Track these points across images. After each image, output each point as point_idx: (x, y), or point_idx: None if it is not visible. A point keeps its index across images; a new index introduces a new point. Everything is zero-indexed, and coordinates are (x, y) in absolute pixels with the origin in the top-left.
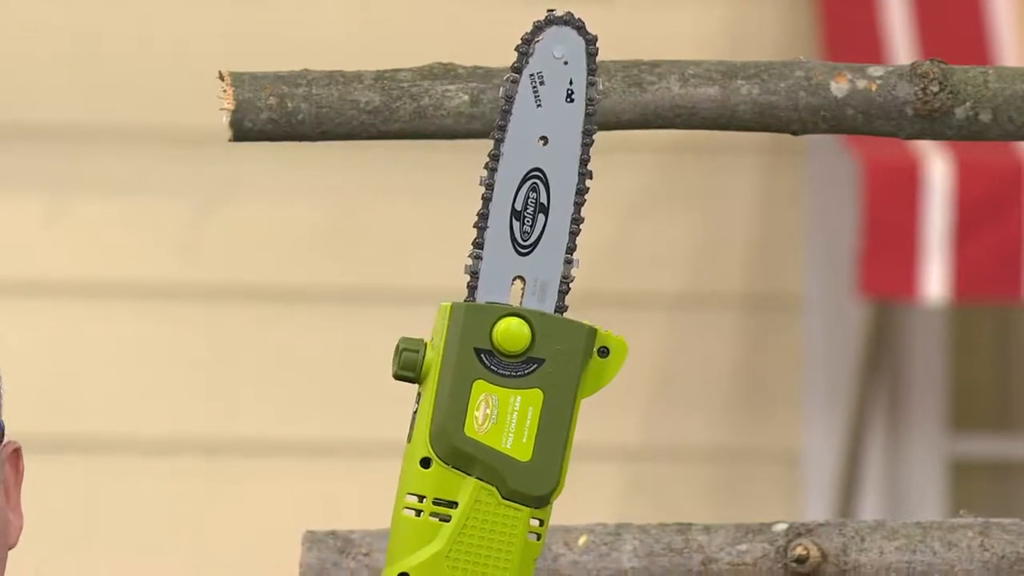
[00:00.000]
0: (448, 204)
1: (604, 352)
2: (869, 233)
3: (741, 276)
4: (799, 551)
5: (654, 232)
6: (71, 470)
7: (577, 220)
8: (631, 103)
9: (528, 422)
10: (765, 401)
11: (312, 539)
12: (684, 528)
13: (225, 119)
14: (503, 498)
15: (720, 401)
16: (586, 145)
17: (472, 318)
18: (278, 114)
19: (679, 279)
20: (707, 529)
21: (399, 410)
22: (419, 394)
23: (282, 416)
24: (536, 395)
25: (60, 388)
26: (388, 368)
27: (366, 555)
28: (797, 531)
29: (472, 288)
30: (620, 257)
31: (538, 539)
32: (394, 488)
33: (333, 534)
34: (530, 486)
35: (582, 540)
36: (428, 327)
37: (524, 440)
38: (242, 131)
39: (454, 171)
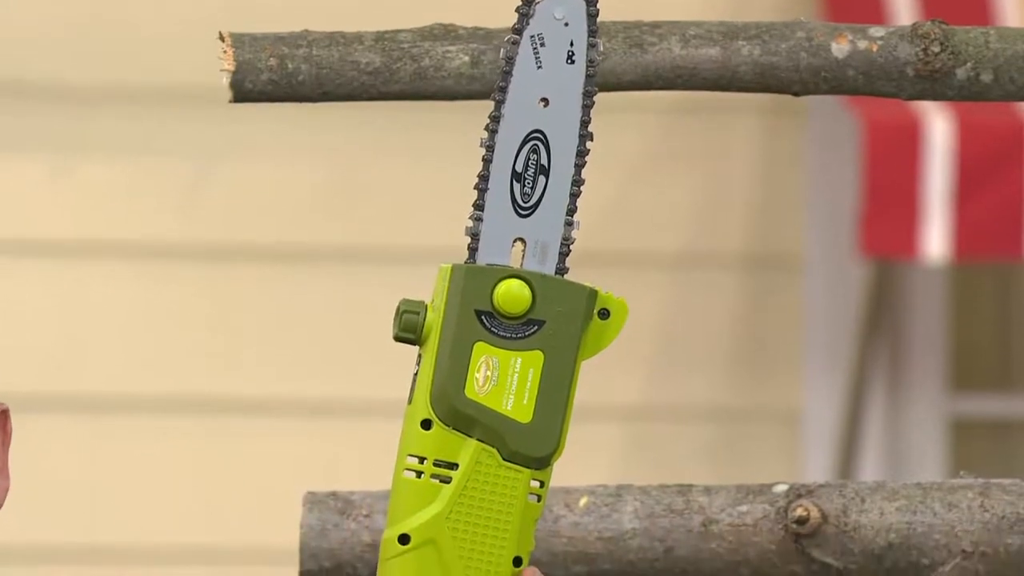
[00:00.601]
0: (449, 164)
1: (605, 314)
2: (870, 193)
3: (742, 236)
4: (799, 512)
5: (655, 192)
6: (73, 430)
7: (578, 182)
8: (632, 64)
9: (529, 384)
10: (765, 361)
11: (313, 500)
12: (685, 489)
13: (225, 80)
14: (504, 460)
15: (720, 361)
16: (587, 107)
17: (473, 280)
18: (278, 75)
19: (680, 239)
20: (708, 490)
21: (401, 370)
22: (420, 356)
23: (283, 376)
24: (537, 357)
25: (62, 348)
26: (390, 328)
27: (367, 516)
28: (797, 492)
29: (472, 250)
30: (621, 217)
31: (538, 500)
32: (395, 449)
33: (334, 495)
34: (531, 448)
35: (583, 501)
36: (429, 287)
37: (525, 402)
38: (242, 92)
39: (455, 131)
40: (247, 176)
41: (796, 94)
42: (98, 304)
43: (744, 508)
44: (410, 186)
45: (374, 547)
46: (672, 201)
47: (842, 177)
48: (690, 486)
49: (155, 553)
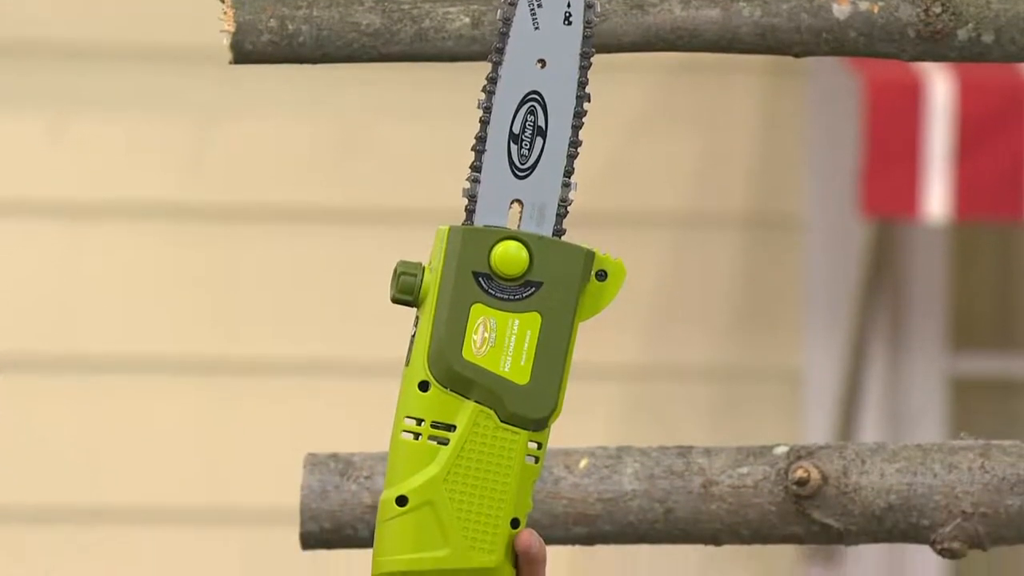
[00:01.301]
0: (453, 124)
1: (602, 275)
2: (871, 152)
3: (742, 195)
4: (800, 474)
5: (655, 151)
6: (71, 391)
7: (575, 143)
8: (633, 25)
9: (526, 345)
10: (765, 321)
11: (313, 461)
12: (685, 451)
13: (226, 41)
14: (501, 421)
15: (720, 321)
16: (584, 68)
17: (470, 242)
18: (279, 36)
19: (680, 198)
20: (708, 452)
21: (402, 331)
22: (417, 318)
23: (283, 336)
24: (534, 318)
25: (60, 309)
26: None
27: (367, 478)
28: (798, 454)
29: (470, 212)
30: (620, 177)
31: (536, 462)
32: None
33: (334, 456)
34: (528, 409)
35: (583, 463)
36: (429, 248)
37: (522, 363)
38: (243, 53)
39: (459, 90)
40: (248, 136)
41: (797, 55)
42: (96, 264)
43: (744, 470)
44: (412, 147)
45: (375, 509)
46: (672, 161)
47: (843, 136)
48: (690, 448)
49: (153, 514)
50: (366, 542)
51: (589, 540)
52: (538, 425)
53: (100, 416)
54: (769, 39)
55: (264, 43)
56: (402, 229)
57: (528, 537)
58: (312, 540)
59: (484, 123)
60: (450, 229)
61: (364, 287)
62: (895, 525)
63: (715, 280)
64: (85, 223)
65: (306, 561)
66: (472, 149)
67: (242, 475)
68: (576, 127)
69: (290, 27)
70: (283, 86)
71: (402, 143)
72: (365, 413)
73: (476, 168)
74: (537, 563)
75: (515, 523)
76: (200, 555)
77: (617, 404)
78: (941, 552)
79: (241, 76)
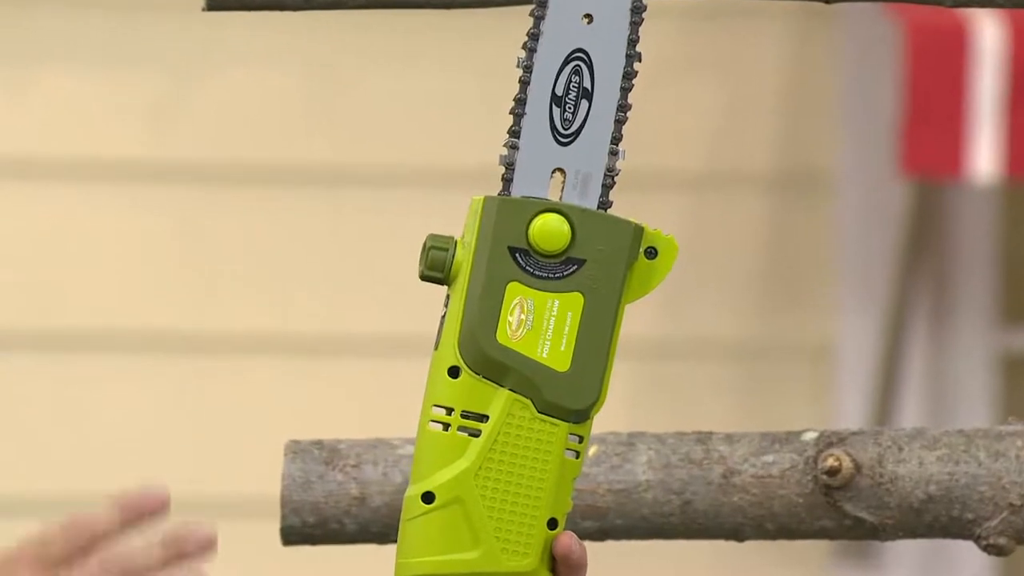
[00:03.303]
0: (454, 73)
1: (652, 253)
2: (911, 104)
3: (769, 152)
4: (830, 462)
5: (673, 105)
6: (36, 370)
7: (624, 107)
8: None
9: (567, 329)
10: (793, 291)
11: (295, 449)
12: (704, 437)
13: None
14: (538, 411)
15: (743, 292)
16: (635, 24)
17: (506, 214)
18: None
19: (700, 156)
20: (729, 438)
21: (395, 304)
22: (448, 297)
23: (265, 311)
24: (576, 299)
25: (13, 278)
26: (384, 258)
27: (354, 467)
28: (828, 440)
29: (507, 181)
30: (636, 132)
31: (577, 457)
32: (390, 393)
33: (318, 444)
34: (568, 399)
35: (592, 450)
36: (428, 212)
37: (562, 348)
38: (217, 0)
39: (459, 36)
40: (226, 89)
41: (828, 1)
42: (61, 230)
43: (769, 458)
44: (407, 100)
45: (362, 501)
46: (692, 114)
47: (880, 87)
48: (710, 434)
49: None
50: (353, 537)
51: (599, 535)
52: (579, 416)
53: (64, 398)
54: None
55: None
56: (399, 191)
57: (568, 541)
58: (294, 535)
59: (524, 83)
60: (485, 199)
61: (353, 255)
62: (935, 519)
63: (738, 247)
64: (48, 185)
65: (287, 557)
66: (511, 112)
67: (216, 463)
68: (625, 89)
69: None
70: (265, 32)
71: (398, 95)
72: (353, 396)
73: (514, 133)
74: (578, 570)
75: (552, 524)
76: None
77: (629, 385)
78: (986, 548)
79: (218, 21)
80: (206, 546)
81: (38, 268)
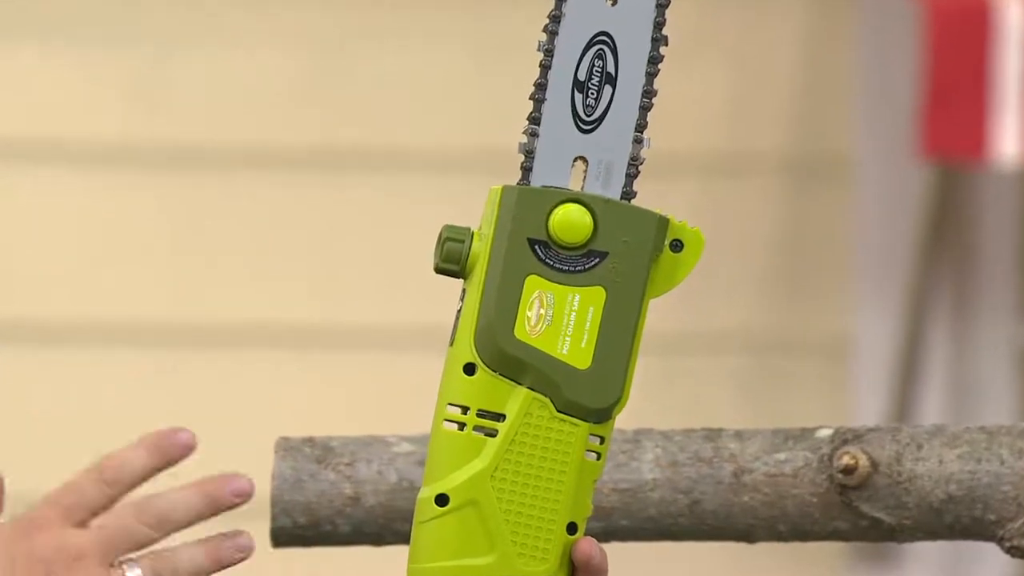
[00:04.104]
0: (457, 49)
1: (677, 246)
2: (933, 85)
3: (783, 135)
4: (846, 460)
5: (682, 85)
6: (14, 360)
7: (649, 93)
8: None
9: (588, 324)
10: (808, 281)
11: (286, 446)
12: (713, 434)
13: None
14: (558, 411)
15: (755, 281)
16: (661, 6)
17: (526, 204)
18: None
19: (710, 139)
20: (739, 435)
21: (390, 295)
22: (464, 291)
23: (254, 301)
24: (598, 293)
25: None
26: (380, 246)
27: (348, 465)
28: (844, 437)
29: (526, 169)
30: None
31: (597, 458)
32: (385, 388)
33: (310, 441)
34: (589, 397)
35: None
36: (427, 196)
37: (583, 345)
38: None
39: (463, 8)
40: (209, 68)
41: None
42: (36, 216)
43: (782, 456)
44: (406, 77)
45: (356, 501)
46: (702, 95)
47: (900, 67)
48: (719, 431)
49: None
50: (346, 539)
51: (604, 536)
52: (600, 416)
53: (40, 392)
54: None
55: None
56: (396, 175)
57: (588, 546)
58: (284, 536)
59: (545, 68)
60: (503, 189)
61: (348, 244)
62: (956, 519)
63: (750, 234)
64: (21, 168)
65: (277, 560)
66: (530, 98)
67: (203, 461)
68: (651, 74)
69: None
70: (251, 8)
71: (395, 73)
72: (346, 391)
73: (535, 120)
74: None
75: (572, 528)
76: None
77: (635, 380)
78: (1010, 551)
79: None
80: (242, 496)
81: (12, 256)
